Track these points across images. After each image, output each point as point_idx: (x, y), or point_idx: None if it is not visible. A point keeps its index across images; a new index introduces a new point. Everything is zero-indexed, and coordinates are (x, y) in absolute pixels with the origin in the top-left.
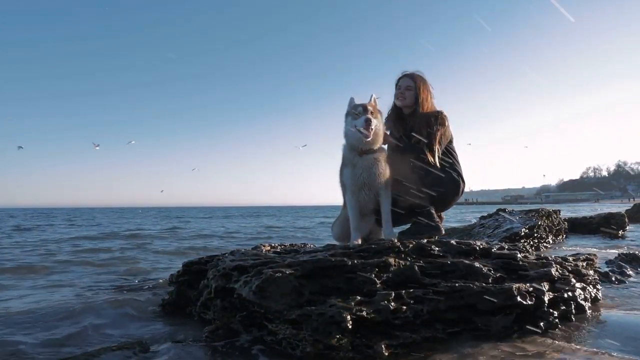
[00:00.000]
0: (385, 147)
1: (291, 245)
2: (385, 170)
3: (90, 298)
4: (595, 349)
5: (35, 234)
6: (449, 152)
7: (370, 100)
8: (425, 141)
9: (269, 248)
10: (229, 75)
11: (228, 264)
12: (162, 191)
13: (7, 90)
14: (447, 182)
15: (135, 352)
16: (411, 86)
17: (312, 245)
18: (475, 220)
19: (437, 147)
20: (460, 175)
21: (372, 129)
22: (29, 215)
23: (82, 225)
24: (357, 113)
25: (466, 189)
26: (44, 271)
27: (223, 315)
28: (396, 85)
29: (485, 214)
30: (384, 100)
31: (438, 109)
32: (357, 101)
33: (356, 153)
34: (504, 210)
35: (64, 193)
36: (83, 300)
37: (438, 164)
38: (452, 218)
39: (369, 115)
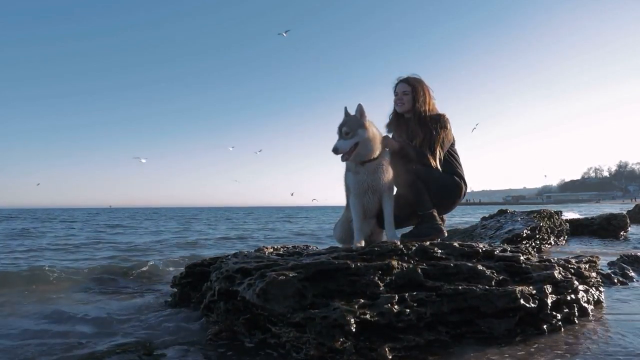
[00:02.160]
0: (388, 150)
1: (294, 247)
2: (388, 174)
3: (93, 299)
4: (598, 352)
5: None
6: (450, 155)
7: (356, 112)
8: (427, 144)
9: (271, 250)
10: (228, 75)
11: (231, 266)
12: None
13: (6, 90)
14: (448, 185)
15: (139, 355)
16: (407, 90)
17: (314, 247)
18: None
19: (438, 150)
20: (462, 177)
21: (347, 155)
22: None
23: (86, 225)
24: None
25: (467, 189)
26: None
27: (226, 318)
28: (394, 91)
29: (487, 215)
30: (385, 104)
31: (440, 111)
32: (350, 110)
33: (357, 162)
34: (506, 211)
35: (63, 194)
36: (86, 301)
37: (440, 167)
38: (453, 219)
39: (337, 144)
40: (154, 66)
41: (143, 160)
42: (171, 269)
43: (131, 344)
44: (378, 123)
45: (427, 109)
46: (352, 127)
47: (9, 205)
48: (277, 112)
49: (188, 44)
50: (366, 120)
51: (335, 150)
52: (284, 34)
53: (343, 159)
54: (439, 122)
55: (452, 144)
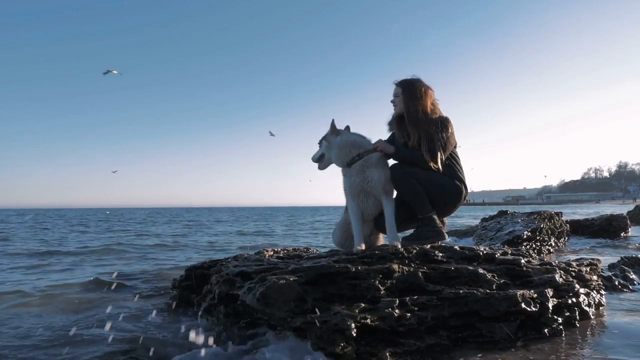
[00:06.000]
0: (389, 158)
1: (294, 249)
2: (379, 175)
3: (91, 302)
4: (599, 356)
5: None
6: (452, 158)
7: (330, 128)
8: (426, 147)
9: (271, 253)
10: (228, 76)
11: (231, 269)
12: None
13: (7, 91)
14: (448, 189)
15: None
16: (398, 92)
17: (315, 250)
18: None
19: (439, 153)
20: (462, 181)
21: (319, 164)
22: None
23: (91, 226)
24: None
25: (467, 193)
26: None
27: (226, 321)
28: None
29: (487, 216)
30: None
31: (444, 114)
32: (349, 123)
33: (342, 166)
34: (506, 213)
35: (66, 194)
36: (85, 305)
37: (441, 169)
38: (453, 220)
39: (312, 157)
40: (155, 66)
41: (115, 171)
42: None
43: (131, 348)
44: (382, 123)
45: (419, 109)
46: (320, 140)
47: (7, 206)
48: (276, 112)
49: (188, 45)
50: (332, 131)
51: (312, 159)
52: (272, 134)
53: (318, 168)
54: (441, 124)
55: (454, 147)
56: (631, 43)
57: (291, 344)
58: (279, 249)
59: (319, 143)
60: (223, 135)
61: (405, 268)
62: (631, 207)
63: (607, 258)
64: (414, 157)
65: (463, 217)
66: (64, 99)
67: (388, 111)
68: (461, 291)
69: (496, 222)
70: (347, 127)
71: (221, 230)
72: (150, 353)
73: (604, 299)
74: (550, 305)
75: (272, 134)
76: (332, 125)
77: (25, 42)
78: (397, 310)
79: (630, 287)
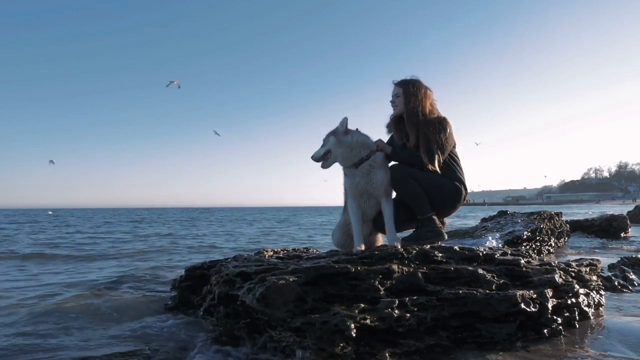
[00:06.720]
0: (382, 154)
1: (294, 250)
2: (382, 176)
3: (91, 303)
4: (599, 356)
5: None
6: (451, 158)
7: (341, 125)
8: (424, 147)
9: (271, 253)
10: (228, 76)
11: (231, 270)
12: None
13: (7, 91)
14: (448, 190)
15: None
16: (399, 93)
17: (315, 250)
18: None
19: (438, 154)
20: (462, 182)
21: (323, 162)
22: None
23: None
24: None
25: (467, 193)
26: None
27: (226, 322)
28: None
29: (487, 216)
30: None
31: (442, 114)
32: (350, 124)
33: (347, 166)
34: (506, 213)
35: (66, 194)
36: (86, 303)
37: (439, 170)
38: (453, 220)
39: (314, 152)
40: (156, 66)
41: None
42: (171, 271)
43: (130, 350)
44: (381, 124)
45: (419, 110)
46: (327, 136)
47: (8, 205)
48: (276, 112)
49: (188, 45)
50: (343, 129)
51: (312, 158)
52: (218, 134)
53: (321, 166)
54: (439, 125)
55: (453, 147)
56: (631, 43)
57: None
58: (279, 249)
59: (325, 139)
60: (223, 135)
61: (405, 268)
62: (631, 207)
63: (607, 258)
64: (412, 158)
65: (463, 218)
66: (64, 99)
67: (388, 111)
68: (461, 292)
69: (496, 222)
70: (357, 130)
71: (221, 231)
72: (149, 355)
73: (603, 300)
74: (549, 305)
75: (217, 134)
76: (345, 123)
77: (25, 42)
78: (396, 311)
79: (630, 287)
